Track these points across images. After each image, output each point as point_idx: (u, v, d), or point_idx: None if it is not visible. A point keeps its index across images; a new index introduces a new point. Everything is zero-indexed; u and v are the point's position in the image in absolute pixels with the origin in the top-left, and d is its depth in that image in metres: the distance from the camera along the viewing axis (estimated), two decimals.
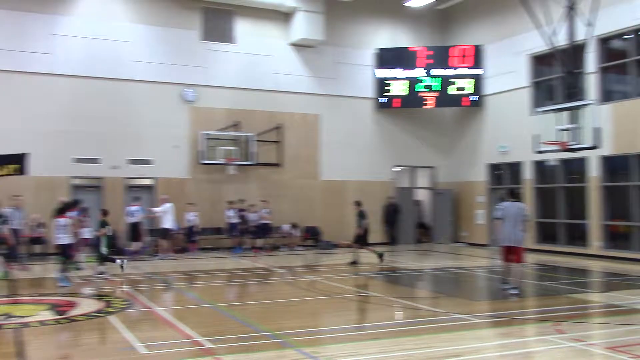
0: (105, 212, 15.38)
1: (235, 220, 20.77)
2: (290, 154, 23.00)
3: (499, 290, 12.42)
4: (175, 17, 21.55)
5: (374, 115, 24.52)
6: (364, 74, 24.25)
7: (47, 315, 9.89)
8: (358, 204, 18.14)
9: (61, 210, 14.05)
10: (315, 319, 10.26)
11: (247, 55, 22.47)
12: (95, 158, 20.17)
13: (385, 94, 24.19)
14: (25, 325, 9.06)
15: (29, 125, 19.20)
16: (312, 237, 22.80)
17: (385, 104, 24.30)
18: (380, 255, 17.82)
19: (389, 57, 24.18)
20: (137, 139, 20.75)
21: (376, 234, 23.68)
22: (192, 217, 20.05)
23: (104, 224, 14.98)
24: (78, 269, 15.05)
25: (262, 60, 22.69)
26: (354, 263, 17.19)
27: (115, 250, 19.13)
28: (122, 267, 14.79)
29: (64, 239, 13.49)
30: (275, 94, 22.82)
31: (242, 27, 22.54)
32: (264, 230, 21.05)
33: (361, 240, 17.79)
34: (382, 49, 24.26)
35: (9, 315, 9.71)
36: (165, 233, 19.37)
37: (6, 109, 19.08)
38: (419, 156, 25.11)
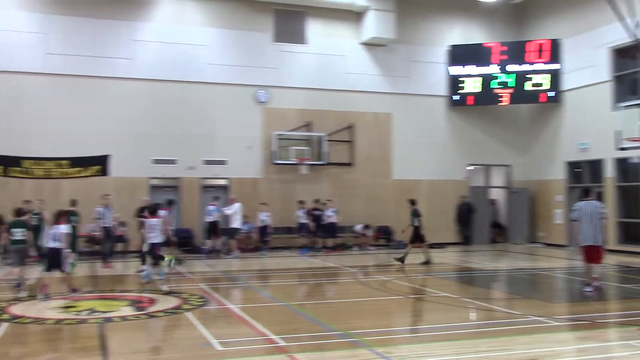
0: (142, 210, 15.65)
1: (304, 220, 20.90)
2: (361, 153, 22.97)
3: (579, 292, 11.99)
4: (248, 20, 21.91)
5: (447, 113, 24.16)
6: (436, 72, 23.93)
7: (128, 311, 10.25)
8: (412, 202, 17.93)
9: (153, 210, 14.50)
10: (387, 319, 10.20)
11: (318, 56, 22.60)
12: (172, 159, 20.78)
13: (459, 91, 23.79)
14: (108, 320, 9.42)
15: (110, 128, 19.98)
16: (384, 237, 22.68)
17: (458, 101, 23.90)
18: (429, 262, 17.28)
19: (462, 54, 23.77)
20: (211, 140, 21.23)
21: (449, 233, 23.42)
22: (264, 217, 20.30)
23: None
24: (170, 266, 15.69)
25: (333, 60, 22.77)
26: (426, 263, 16.98)
27: (191, 248, 19.75)
28: (169, 267, 15.18)
29: (155, 237, 13.88)
30: (347, 94, 22.85)
31: (314, 28, 22.69)
32: (330, 230, 20.93)
33: (415, 239, 17.51)
34: (454, 46, 23.88)
35: (92, 310, 10.13)
36: (233, 233, 19.70)
37: (89, 113, 19.91)
38: (493, 154, 24.56)
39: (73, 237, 15.44)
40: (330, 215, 20.78)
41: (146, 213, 14.35)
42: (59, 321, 9.34)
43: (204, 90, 21.25)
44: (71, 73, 19.86)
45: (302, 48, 22.51)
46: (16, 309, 10.26)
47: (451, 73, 23.87)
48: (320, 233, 21.08)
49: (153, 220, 13.97)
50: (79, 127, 19.61)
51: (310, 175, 22.05)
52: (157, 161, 20.60)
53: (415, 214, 17.56)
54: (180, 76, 20.97)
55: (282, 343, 7.89)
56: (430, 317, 10.25)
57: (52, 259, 11.75)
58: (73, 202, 16.21)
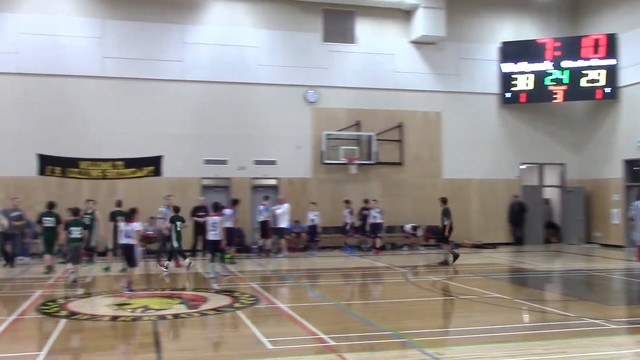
0: (177, 209, 15.88)
1: (350, 219, 20.84)
2: (411, 152, 22.81)
3: (637, 294, 11.61)
4: (298, 21, 22.03)
5: (499, 111, 23.76)
6: (487, 69, 23.57)
7: (181, 308, 10.44)
8: (444, 201, 17.68)
9: (216, 209, 15.15)
10: (438, 320, 10.10)
11: (367, 55, 22.55)
12: (223, 159, 21.06)
13: (511, 89, 23.37)
14: (161, 317, 9.61)
15: (163, 130, 20.39)
16: (434, 237, 22.45)
17: (510, 99, 23.47)
18: (454, 258, 17.08)
19: (515, 51, 23.34)
20: (261, 140, 21.43)
21: (501, 233, 23.06)
22: (313, 217, 20.33)
23: (178, 219, 15.63)
24: (233, 262, 16.04)
25: (382, 59, 22.68)
26: (444, 263, 16.92)
27: (242, 247, 19.97)
28: (188, 267, 15.49)
29: (216, 235, 14.56)
30: (396, 93, 22.72)
31: (363, 27, 22.64)
32: (375, 230, 20.52)
33: (446, 238, 17.31)
34: (506, 43, 23.46)
35: (146, 308, 10.36)
36: (282, 232, 19.79)
37: (142, 115, 20.38)
38: (547, 153, 24.02)
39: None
40: (375, 216, 20.58)
41: (201, 212, 14.73)
42: (114, 318, 9.58)
43: (254, 91, 21.47)
44: (125, 76, 20.38)
45: (351, 47, 22.50)
46: (73, 306, 10.57)
47: (503, 70, 23.46)
48: (368, 233, 20.97)
49: (215, 218, 14.67)
50: (133, 129, 20.09)
51: (359, 175, 22.03)
52: (208, 161, 20.92)
53: (446, 214, 17.28)
54: (231, 77, 21.24)
55: (332, 342, 7.90)
56: (481, 318, 10.09)
57: (125, 255, 12.44)
58: (119, 203, 16.69)
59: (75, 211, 13.70)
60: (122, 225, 12.64)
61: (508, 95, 23.44)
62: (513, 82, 23.35)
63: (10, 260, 16.61)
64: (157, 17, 20.73)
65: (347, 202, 21.03)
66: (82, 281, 13.34)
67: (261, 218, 19.50)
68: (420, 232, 21.99)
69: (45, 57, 19.78)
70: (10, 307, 10.94)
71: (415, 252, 21.07)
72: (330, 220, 21.25)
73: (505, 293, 12.27)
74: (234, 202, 17.24)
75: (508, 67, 23.39)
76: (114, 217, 16.31)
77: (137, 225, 12.44)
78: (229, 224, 15.71)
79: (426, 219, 22.31)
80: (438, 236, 22.33)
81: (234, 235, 17.56)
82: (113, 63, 20.30)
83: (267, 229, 19.47)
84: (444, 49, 23.16)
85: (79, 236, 13.18)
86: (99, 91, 20.20)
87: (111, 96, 20.25)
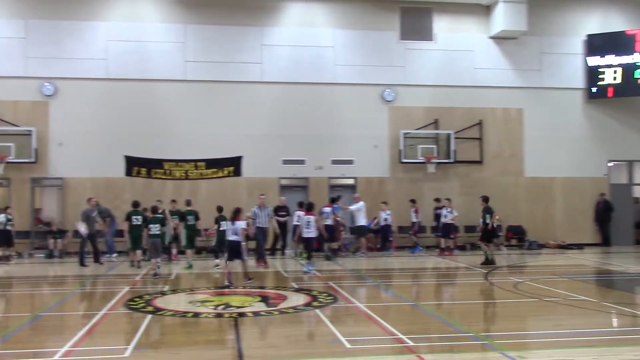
0: (220, 209, 15.85)
1: (416, 219, 20.56)
2: (491, 150, 22.31)
3: None
4: (374, 19, 21.96)
5: (584, 106, 22.88)
6: (571, 63, 22.76)
7: (260, 306, 10.62)
8: (485, 199, 17.16)
9: (309, 208, 16.01)
10: (520, 322, 9.81)
11: (445, 52, 22.22)
12: (301, 159, 21.27)
13: (598, 83, 22.46)
14: (242, 315, 9.81)
15: (242, 131, 20.81)
16: (516, 237, 21.87)
17: (597, 93, 22.57)
18: (491, 262, 16.58)
19: (601, 43, 22.42)
20: (339, 140, 21.50)
21: (588, 234, 22.25)
22: (385, 216, 20.09)
23: (221, 219, 15.66)
24: (329, 259, 16.36)
25: (460, 56, 22.29)
26: (486, 263, 16.46)
27: (318, 248, 20.06)
28: (217, 266, 15.78)
29: (311, 232, 15.47)
30: (475, 90, 22.28)
31: (440, 24, 22.32)
32: (445, 230, 19.98)
33: (487, 237, 16.84)
34: (592, 35, 22.57)
35: (227, 305, 10.60)
36: (361, 231, 19.73)
37: (222, 116, 20.88)
38: (637, 149, 22.91)
39: (190, 234, 16.60)
40: (445, 216, 20.18)
41: (282, 211, 15.10)
42: (196, 315, 9.86)
43: (331, 91, 21.57)
44: (206, 79, 20.96)
45: (428, 45, 22.23)
46: (159, 302, 10.95)
47: (589, 64, 22.60)
48: (438, 233, 20.55)
49: (310, 217, 15.51)
50: (214, 130, 20.61)
51: (437, 174, 21.74)
52: (287, 161, 21.19)
53: (488, 212, 16.78)
54: (308, 78, 21.42)
55: (411, 343, 7.83)
56: (566, 322, 9.73)
57: (232, 251, 13.18)
58: (188, 202, 17.63)
59: (154, 210, 14.99)
60: (228, 223, 13.46)
61: (594, 89, 22.55)
62: (600, 76, 22.45)
63: (96, 258, 17.33)
64: (235, 20, 21.19)
65: (412, 201, 20.76)
66: (166, 277, 13.80)
67: (328, 221, 18.29)
68: (501, 232, 21.40)
69: (132, 63, 20.62)
70: (100, 302, 11.48)
71: (496, 252, 20.51)
72: (407, 220, 21.04)
73: (592, 296, 11.79)
74: (333, 200, 17.75)
75: (594, 61, 22.50)
76: (183, 216, 16.90)
77: (242, 224, 13.34)
78: (329, 222, 16.61)
79: (508, 219, 21.79)
80: (519, 236, 21.81)
81: (333, 233, 17.87)
82: (194, 67, 20.92)
83: (335, 231, 18.88)
84: (525, 43, 22.52)
85: (158, 232, 14.40)
86: (182, 94, 20.86)
87: (193, 99, 20.87)
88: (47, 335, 8.86)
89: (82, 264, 16.86)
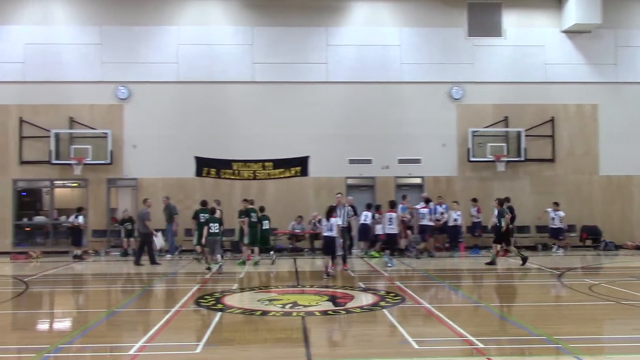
0: (262, 209, 17.41)
1: (477, 219, 20.11)
2: (563, 148, 21.65)
3: None
4: (441, 17, 21.68)
5: None
6: None
7: (328, 305, 10.66)
8: (500, 203, 16.87)
9: (392, 205, 16.94)
10: (595, 326, 9.47)
11: (515, 48, 21.71)
12: (368, 159, 21.24)
13: None
14: (309, 314, 9.87)
15: (309, 131, 20.96)
16: (591, 237, 21.12)
17: None
18: (524, 259, 16.24)
19: None
20: (406, 139, 21.33)
21: None
22: (456, 216, 19.77)
23: (265, 219, 17.27)
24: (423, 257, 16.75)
25: (531, 51, 21.72)
26: (491, 263, 16.37)
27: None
28: (257, 263, 16.64)
29: (393, 229, 16.53)
30: (547, 86, 21.67)
31: (510, 19, 21.83)
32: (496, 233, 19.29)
33: (501, 239, 16.59)
34: None
35: (295, 304, 10.69)
36: (425, 231, 19.41)
37: (289, 117, 21.09)
38: None
39: (255, 232, 17.37)
40: (475, 214, 19.67)
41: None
42: (264, 313, 9.99)
43: (398, 89, 21.44)
44: (273, 80, 21.22)
45: (497, 41, 21.77)
46: (228, 300, 11.16)
47: None
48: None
49: (392, 214, 16.53)
50: (281, 130, 20.84)
51: (507, 173, 21.27)
52: (353, 161, 21.19)
53: (501, 214, 16.49)
54: (375, 77, 21.37)
55: (480, 345, 7.69)
56: None
57: (327, 246, 14.33)
58: (251, 201, 18.00)
59: (212, 210, 16.07)
60: (323, 220, 14.62)
61: None
62: None
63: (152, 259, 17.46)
64: (301, 21, 21.36)
65: (474, 200, 20.30)
66: (235, 276, 14.05)
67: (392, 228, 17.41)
68: (571, 232, 20.76)
69: (202, 66, 21.10)
70: (172, 300, 11.81)
71: (570, 253, 19.91)
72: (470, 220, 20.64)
73: None
74: (392, 203, 17.68)
75: None
76: (247, 213, 17.12)
77: (338, 220, 14.51)
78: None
79: (582, 219, 21.12)
80: (594, 236, 21.05)
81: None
82: (262, 68, 21.21)
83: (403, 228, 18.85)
84: (599, 37, 21.73)
85: (216, 231, 15.36)
86: (249, 95, 21.19)
87: (260, 100, 21.16)
88: (122, 330, 9.19)
89: (137, 262, 17.13)
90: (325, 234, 14.38)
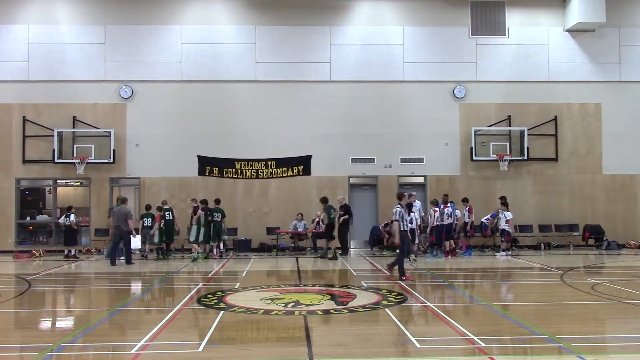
0: (148, 207, 18.65)
1: (469, 218, 19.92)
2: (566, 147, 21.63)
3: None
4: (444, 16, 21.67)
5: None
6: None
7: (329, 304, 10.65)
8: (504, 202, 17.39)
9: (445, 201, 17.77)
10: (598, 325, 9.45)
11: (518, 47, 21.70)
12: (370, 158, 21.24)
13: None
14: (311, 313, 9.87)
15: (312, 130, 20.97)
16: (594, 236, 21.09)
17: None
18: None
19: None
20: (408, 138, 21.33)
21: None
22: (459, 216, 19.72)
23: (146, 217, 18.44)
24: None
25: (534, 50, 21.71)
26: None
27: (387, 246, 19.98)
28: (207, 258, 17.86)
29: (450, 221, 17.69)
30: (550, 85, 21.65)
31: (513, 18, 21.81)
32: (502, 233, 19.26)
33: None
34: None
35: (297, 303, 10.69)
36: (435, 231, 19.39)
37: (292, 116, 21.10)
38: None
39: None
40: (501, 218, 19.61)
41: None
42: (267, 312, 9.99)
43: (400, 88, 21.44)
44: (276, 79, 21.23)
45: (500, 40, 21.76)
46: (231, 299, 11.16)
47: None
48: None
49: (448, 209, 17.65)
50: (284, 130, 20.86)
51: (510, 172, 21.26)
52: (355, 160, 21.19)
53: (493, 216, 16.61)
54: (377, 76, 21.36)
55: (483, 345, 7.68)
56: None
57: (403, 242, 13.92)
58: (217, 201, 18.82)
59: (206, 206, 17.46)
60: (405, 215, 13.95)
61: None
62: None
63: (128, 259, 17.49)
64: (304, 20, 21.36)
65: (465, 200, 20.13)
66: (237, 275, 14.04)
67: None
68: (576, 232, 20.75)
69: (205, 65, 21.12)
70: (174, 298, 11.81)
71: (573, 252, 19.87)
72: (479, 219, 20.64)
73: None
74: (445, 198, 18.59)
75: None
76: (211, 213, 18.39)
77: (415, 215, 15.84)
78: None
79: (585, 218, 21.10)
80: (596, 236, 21.03)
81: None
82: (265, 67, 21.22)
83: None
84: (603, 35, 21.70)
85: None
86: (252, 94, 21.19)
87: (263, 99, 21.17)
88: (124, 329, 9.19)
89: (113, 263, 17.08)
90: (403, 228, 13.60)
